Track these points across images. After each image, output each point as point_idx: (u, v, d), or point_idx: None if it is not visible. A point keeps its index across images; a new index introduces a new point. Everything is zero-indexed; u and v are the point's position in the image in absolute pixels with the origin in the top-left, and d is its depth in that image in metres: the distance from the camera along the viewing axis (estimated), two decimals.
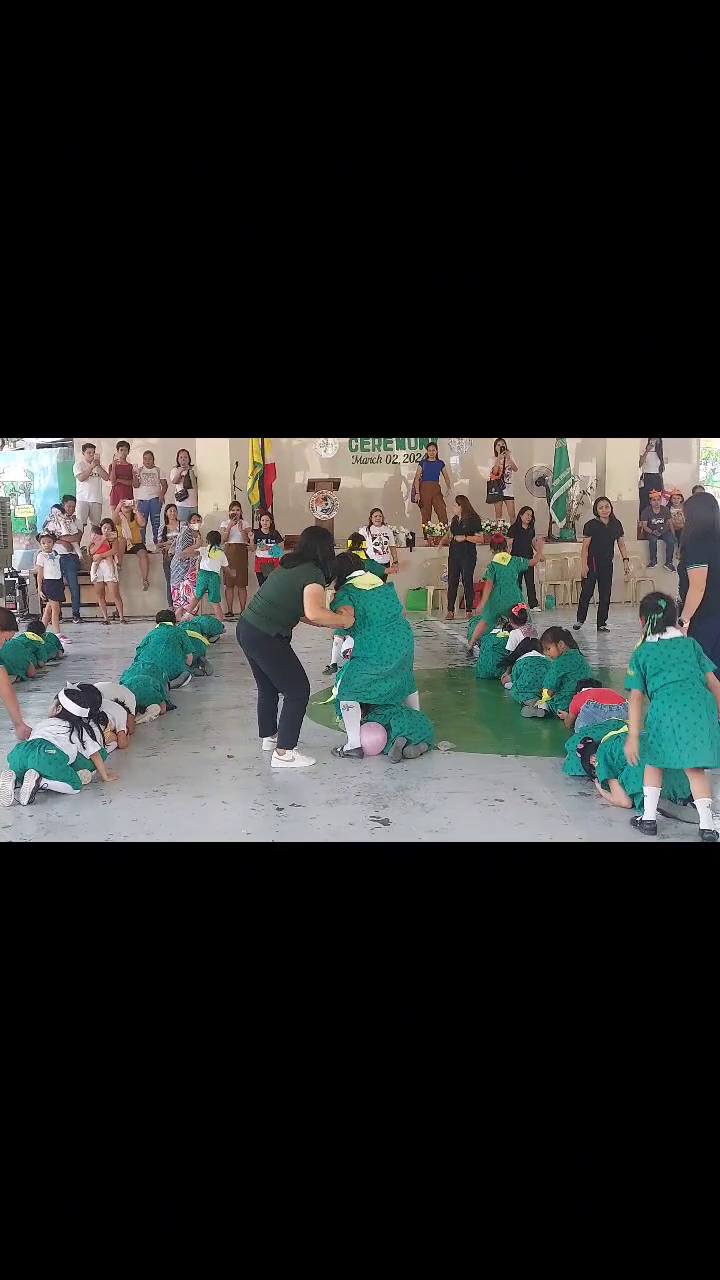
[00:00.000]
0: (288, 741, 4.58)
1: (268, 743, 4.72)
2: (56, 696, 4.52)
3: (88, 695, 4.49)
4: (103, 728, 4.62)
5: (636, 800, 3.74)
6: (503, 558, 7.71)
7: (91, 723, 4.41)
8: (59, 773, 4.18)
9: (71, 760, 4.25)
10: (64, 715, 4.39)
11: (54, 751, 4.20)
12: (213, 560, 10.03)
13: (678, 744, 3.38)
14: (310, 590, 4.39)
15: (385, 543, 10.29)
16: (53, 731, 4.30)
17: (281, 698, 4.64)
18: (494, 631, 7.02)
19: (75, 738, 4.30)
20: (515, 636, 6.60)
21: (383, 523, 10.69)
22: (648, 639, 3.64)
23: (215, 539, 10.25)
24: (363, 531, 10.24)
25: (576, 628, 9.52)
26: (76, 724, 4.36)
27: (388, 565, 9.97)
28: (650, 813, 3.57)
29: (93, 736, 4.39)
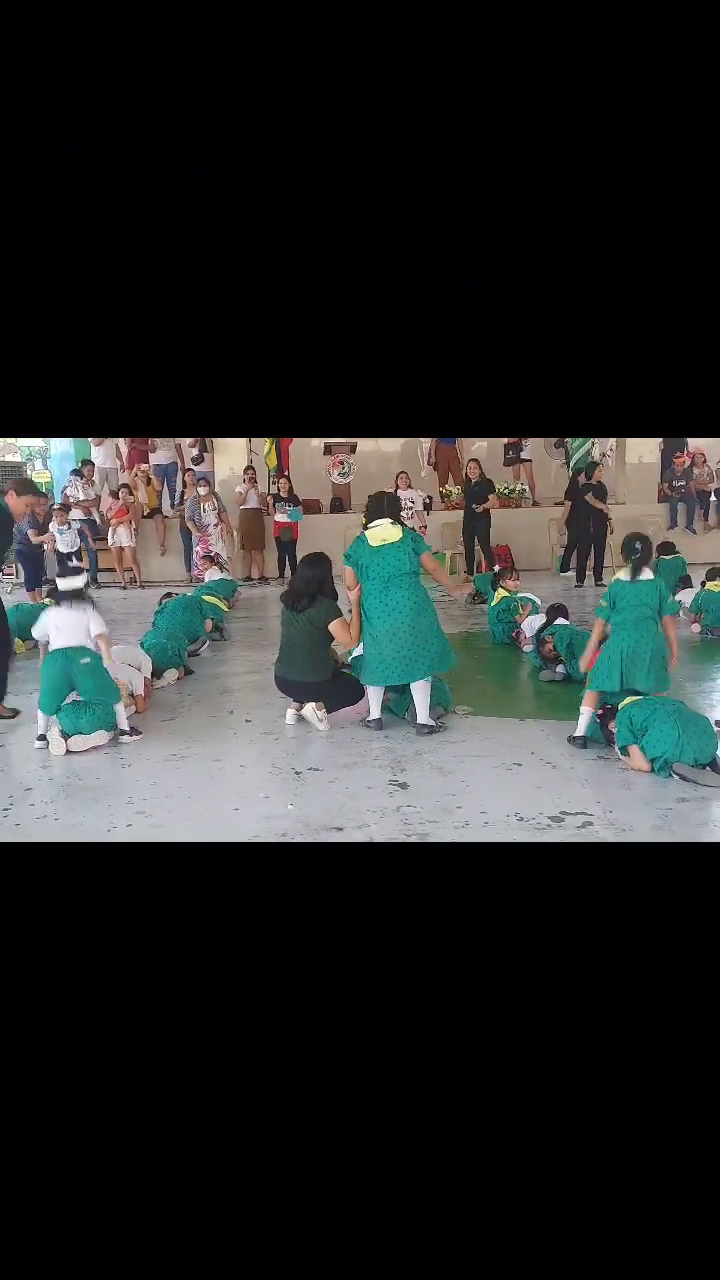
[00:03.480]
0: (331, 708, 4.71)
1: (303, 710, 4.74)
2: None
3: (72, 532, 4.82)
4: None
5: (656, 764, 3.75)
6: None
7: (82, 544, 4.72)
8: (103, 687, 4.36)
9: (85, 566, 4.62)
10: (63, 562, 4.64)
11: (88, 660, 4.34)
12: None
13: (617, 671, 4.09)
14: (335, 625, 4.56)
15: (411, 508, 10.24)
16: (70, 622, 4.41)
17: None
18: (493, 603, 7.02)
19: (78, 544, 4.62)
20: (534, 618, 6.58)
21: (409, 485, 10.61)
22: (620, 577, 4.23)
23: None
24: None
25: (579, 585, 9.57)
26: (76, 596, 4.49)
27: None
28: (581, 730, 4.23)
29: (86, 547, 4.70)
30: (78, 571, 4.78)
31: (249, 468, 11.31)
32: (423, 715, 4.49)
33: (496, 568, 8.43)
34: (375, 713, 4.62)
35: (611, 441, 12.59)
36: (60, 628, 4.42)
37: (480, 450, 12.57)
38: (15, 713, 4.87)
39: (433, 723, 4.49)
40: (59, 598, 4.52)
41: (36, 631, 4.63)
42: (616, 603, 4.18)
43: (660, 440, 12.31)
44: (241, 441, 11.97)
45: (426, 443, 12.73)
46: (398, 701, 4.72)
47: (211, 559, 9.78)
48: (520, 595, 6.94)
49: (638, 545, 4.19)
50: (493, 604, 7.00)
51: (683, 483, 11.78)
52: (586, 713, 4.23)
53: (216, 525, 10.32)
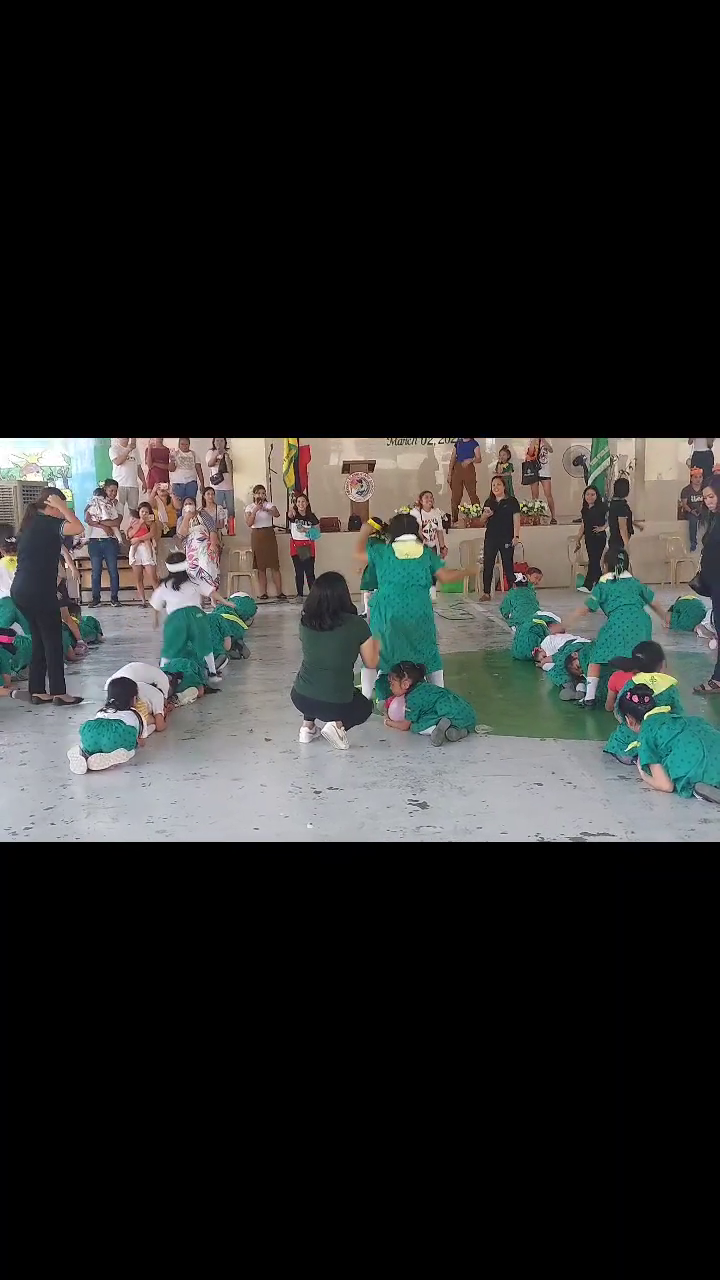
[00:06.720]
0: (348, 727, 4.74)
1: (323, 730, 4.76)
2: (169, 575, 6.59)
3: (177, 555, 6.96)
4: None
5: (678, 784, 3.71)
6: None
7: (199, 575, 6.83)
8: (208, 633, 6.30)
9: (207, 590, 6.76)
10: (172, 581, 6.42)
11: (200, 615, 6.21)
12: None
13: (619, 645, 5.21)
14: (367, 645, 4.66)
15: (434, 528, 10.24)
16: (181, 592, 6.45)
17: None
18: (536, 618, 7.00)
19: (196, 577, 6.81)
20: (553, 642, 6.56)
21: (432, 506, 10.62)
22: (604, 580, 5.60)
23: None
24: (415, 513, 10.20)
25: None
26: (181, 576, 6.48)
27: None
28: (590, 694, 5.32)
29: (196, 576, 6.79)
30: (182, 558, 6.78)
31: (259, 487, 11.36)
32: (367, 691, 5.11)
33: (519, 579, 8.48)
34: (366, 693, 5.06)
35: (631, 459, 12.56)
36: (174, 598, 6.37)
37: (496, 468, 12.60)
38: (78, 699, 5.67)
39: (368, 698, 4.96)
40: (171, 577, 6.52)
41: (154, 601, 6.85)
42: (607, 596, 5.44)
43: (691, 456, 12.26)
44: (260, 461, 12.04)
45: (445, 459, 12.76)
46: (420, 723, 4.76)
47: (203, 579, 9.77)
48: (542, 614, 6.95)
49: (620, 555, 5.83)
50: (523, 626, 6.99)
51: (700, 498, 11.73)
52: (593, 682, 5.31)
53: (202, 540, 10.09)
